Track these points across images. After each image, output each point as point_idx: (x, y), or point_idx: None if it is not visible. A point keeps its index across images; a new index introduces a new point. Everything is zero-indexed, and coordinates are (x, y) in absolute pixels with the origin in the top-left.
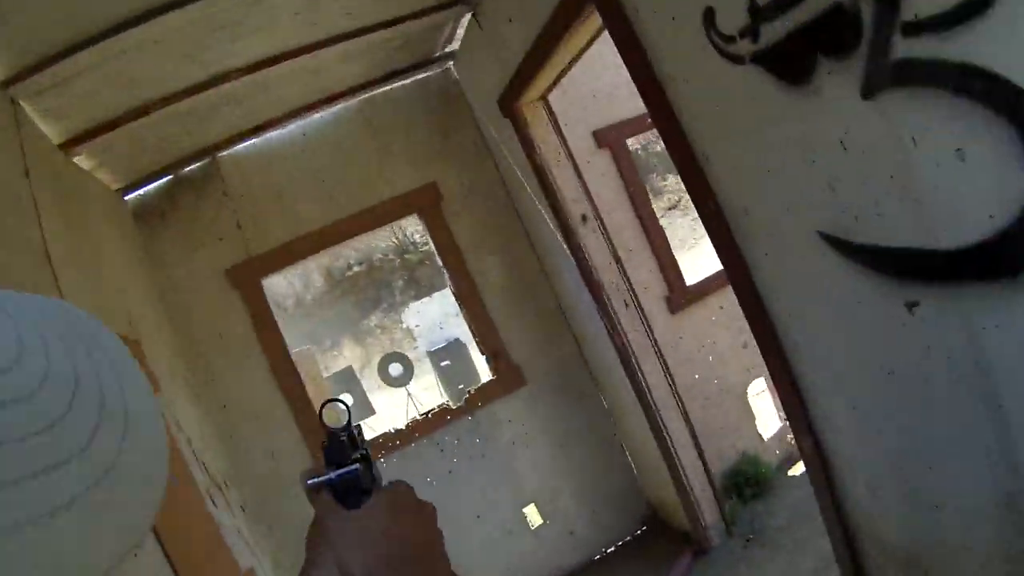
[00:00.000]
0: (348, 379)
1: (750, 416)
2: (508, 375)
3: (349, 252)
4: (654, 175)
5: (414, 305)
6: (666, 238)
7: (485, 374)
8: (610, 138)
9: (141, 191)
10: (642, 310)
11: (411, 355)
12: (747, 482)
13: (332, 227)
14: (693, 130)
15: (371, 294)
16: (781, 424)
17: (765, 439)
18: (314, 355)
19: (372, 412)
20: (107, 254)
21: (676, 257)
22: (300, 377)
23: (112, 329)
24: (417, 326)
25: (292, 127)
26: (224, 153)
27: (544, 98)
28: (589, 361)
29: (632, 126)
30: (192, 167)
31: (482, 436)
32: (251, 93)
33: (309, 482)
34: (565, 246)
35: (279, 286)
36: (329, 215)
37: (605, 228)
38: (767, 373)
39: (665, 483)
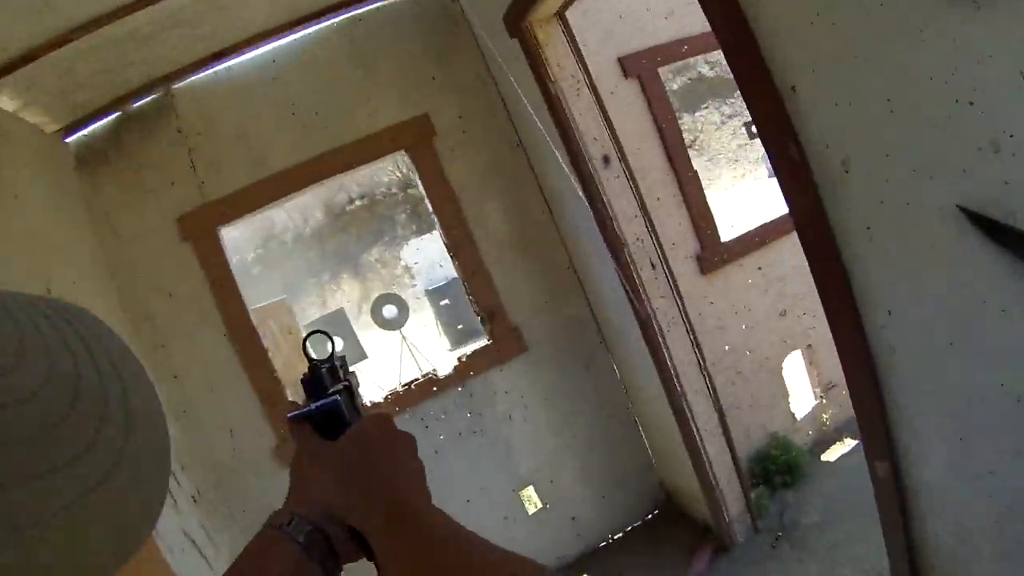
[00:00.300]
0: (339, 322)
1: (783, 393)
2: (506, 339)
3: (351, 186)
4: None
5: (413, 242)
6: (700, 185)
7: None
8: (639, 66)
9: (86, 131)
10: (670, 271)
11: (410, 293)
12: (777, 469)
13: (303, 167)
14: (776, 48)
15: (372, 228)
16: (816, 402)
17: (798, 419)
18: (290, 306)
19: (364, 356)
20: (24, 205)
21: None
22: (260, 342)
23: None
24: (416, 263)
25: (260, 52)
26: (179, 84)
27: (560, 15)
28: (602, 324)
29: (666, 53)
30: (142, 101)
31: (474, 409)
32: (204, 13)
33: (289, 415)
34: (581, 192)
35: (278, 218)
36: (300, 153)
37: (631, 172)
38: (805, 345)
39: (684, 468)
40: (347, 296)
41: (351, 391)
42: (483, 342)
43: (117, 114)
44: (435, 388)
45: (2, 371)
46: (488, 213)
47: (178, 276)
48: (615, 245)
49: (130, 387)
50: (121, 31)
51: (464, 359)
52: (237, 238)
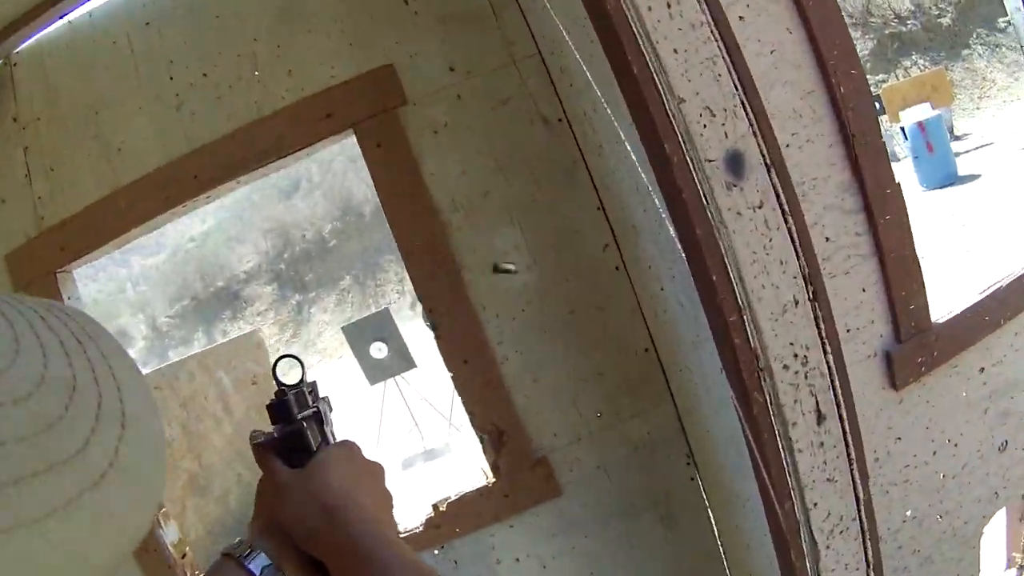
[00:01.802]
0: (383, 324)
1: (973, 572)
2: (522, 476)
3: None
4: None
5: None
6: (905, 210)
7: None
8: None
9: None
10: (849, 420)
11: None
12: None
13: (179, 167)
14: None
15: None
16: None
17: None
18: (260, 341)
19: (412, 365)
20: None
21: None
22: None
23: None
24: None
25: None
26: (21, 47)
27: None
28: (697, 448)
29: None
30: None
31: None
32: None
33: (253, 442)
34: (675, 236)
35: (356, 189)
36: (175, 144)
37: (787, 194)
38: (1021, 495)
39: None
40: None
41: (320, 418)
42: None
43: None
44: None
45: None
46: (499, 250)
47: None
48: (745, 375)
49: (125, 388)
50: None
51: (444, 508)
52: (315, 206)
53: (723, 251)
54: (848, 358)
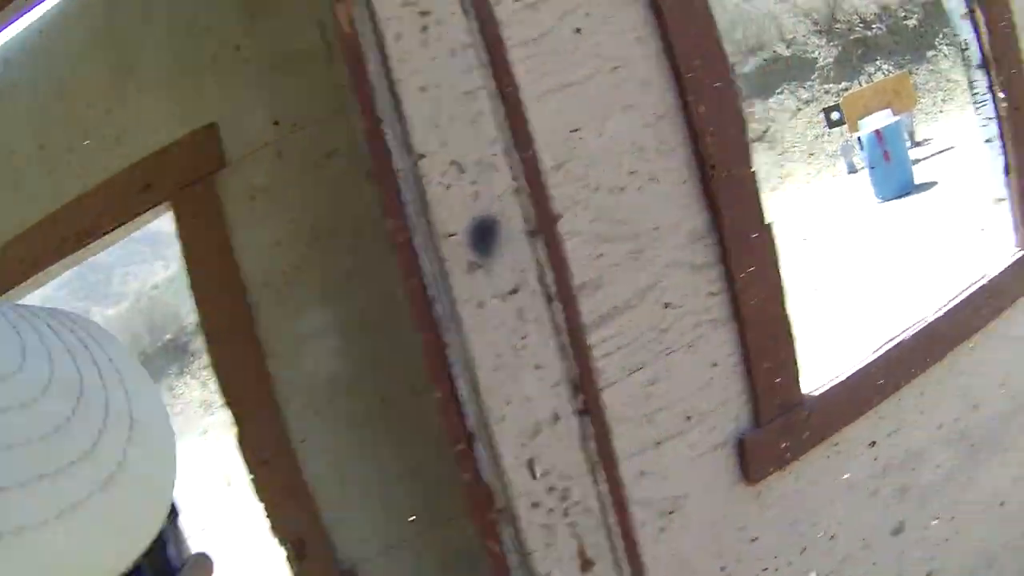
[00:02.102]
0: None
1: None
2: None
3: None
4: None
5: None
6: (775, 260)
7: None
8: None
9: None
10: (628, 556)
11: None
12: None
13: (9, 251)
14: None
15: None
16: None
17: None
18: None
19: None
20: None
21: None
22: None
23: None
24: None
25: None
26: None
27: None
28: None
29: None
30: None
31: None
32: None
33: None
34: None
35: None
36: (9, 227)
37: (558, 269)
38: None
39: None
40: None
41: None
42: None
43: None
44: None
45: (4, 376)
46: (308, 331)
47: None
48: (476, 518)
49: (132, 390)
50: None
51: None
52: None
53: (449, 358)
54: (689, 450)
